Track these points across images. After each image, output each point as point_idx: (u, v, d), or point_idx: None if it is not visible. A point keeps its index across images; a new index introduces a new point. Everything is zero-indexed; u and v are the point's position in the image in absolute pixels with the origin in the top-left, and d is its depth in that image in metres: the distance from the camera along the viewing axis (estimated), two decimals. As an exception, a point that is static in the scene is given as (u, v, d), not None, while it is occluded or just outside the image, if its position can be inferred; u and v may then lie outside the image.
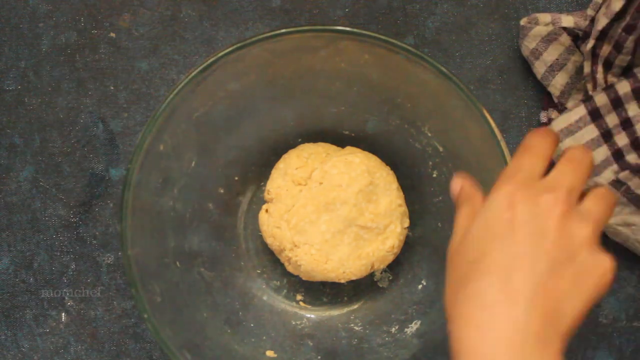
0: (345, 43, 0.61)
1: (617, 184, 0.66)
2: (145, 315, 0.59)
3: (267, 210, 0.70)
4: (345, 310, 0.72)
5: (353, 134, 0.71)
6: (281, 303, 0.72)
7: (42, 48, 0.73)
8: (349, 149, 0.71)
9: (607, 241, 0.71)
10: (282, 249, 0.69)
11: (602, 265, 0.48)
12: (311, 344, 0.70)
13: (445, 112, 0.64)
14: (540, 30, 0.69)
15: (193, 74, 0.60)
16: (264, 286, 0.72)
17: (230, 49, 0.60)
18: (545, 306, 0.46)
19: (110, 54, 0.73)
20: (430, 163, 0.69)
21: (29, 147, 0.73)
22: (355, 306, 0.72)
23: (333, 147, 0.71)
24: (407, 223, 0.70)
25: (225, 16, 0.73)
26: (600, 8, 0.67)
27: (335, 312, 0.72)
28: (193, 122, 0.64)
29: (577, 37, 0.69)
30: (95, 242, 0.73)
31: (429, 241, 0.71)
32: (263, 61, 0.63)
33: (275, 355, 0.68)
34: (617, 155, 0.67)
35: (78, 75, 0.73)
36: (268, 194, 0.70)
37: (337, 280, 0.69)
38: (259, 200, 0.73)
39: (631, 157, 0.66)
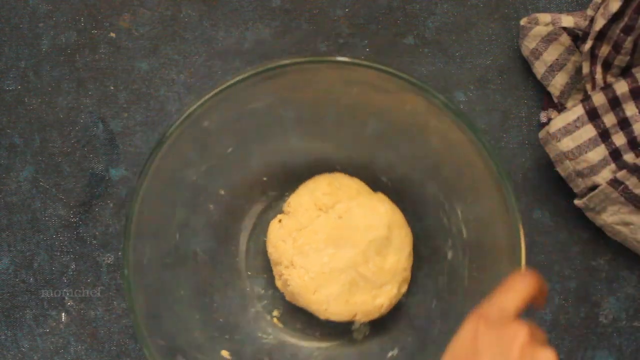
0: (409, 96, 0.60)
1: (615, 183, 0.66)
2: (126, 272, 0.59)
3: (280, 221, 0.69)
4: (313, 345, 0.72)
5: (389, 183, 0.71)
6: (257, 311, 0.72)
7: (42, 48, 0.73)
8: (380, 195, 0.70)
9: (607, 241, 0.71)
10: (279, 262, 0.69)
11: None
12: None
13: (483, 201, 0.63)
14: (540, 30, 0.69)
15: (269, 66, 0.59)
16: (247, 288, 0.72)
17: (307, 59, 0.59)
18: None
19: (110, 54, 0.73)
20: (450, 243, 0.68)
21: (29, 147, 0.73)
22: (323, 345, 0.72)
23: (366, 188, 0.70)
24: (404, 289, 0.70)
25: (225, 16, 0.73)
26: (599, 8, 0.67)
27: (302, 343, 0.71)
28: (246, 112, 0.64)
29: (577, 37, 0.69)
30: (95, 242, 0.72)
31: (418, 315, 0.70)
32: (330, 82, 0.63)
33: (229, 358, 0.68)
34: (615, 154, 0.67)
35: (78, 75, 0.73)
36: (288, 206, 0.70)
37: (316, 314, 0.69)
38: (277, 207, 0.72)
39: (629, 157, 0.66)
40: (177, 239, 0.66)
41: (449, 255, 0.68)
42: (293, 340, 0.71)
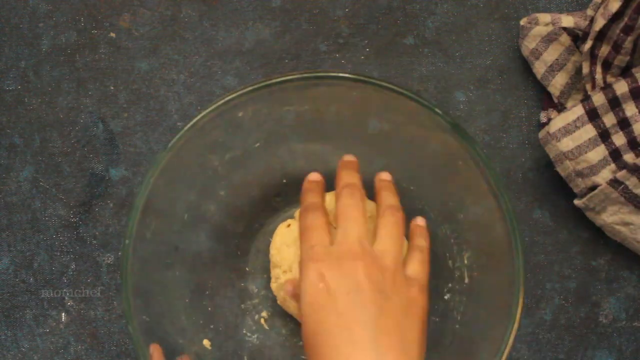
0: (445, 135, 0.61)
1: (614, 183, 0.66)
2: (127, 241, 0.59)
3: (289, 225, 0.69)
4: (293, 354, 0.71)
5: (405, 215, 0.71)
6: (246, 308, 0.71)
7: (42, 48, 0.73)
8: None
9: (607, 241, 0.71)
10: (278, 265, 0.68)
11: (413, 286, 0.56)
12: (246, 358, 0.70)
13: (491, 251, 0.63)
14: (540, 30, 0.69)
15: (294, 76, 0.60)
16: (242, 284, 0.72)
17: (362, 78, 0.60)
18: (390, 340, 0.52)
19: (110, 54, 0.73)
20: (450, 285, 0.68)
21: (29, 147, 0.73)
22: (304, 357, 0.71)
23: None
24: None
25: (225, 16, 0.73)
26: (599, 8, 0.67)
27: (284, 350, 0.71)
28: (281, 112, 0.64)
29: (577, 37, 0.69)
30: (95, 242, 0.72)
31: None
32: (373, 103, 0.63)
33: (210, 348, 0.67)
34: (615, 154, 0.67)
35: (78, 75, 0.73)
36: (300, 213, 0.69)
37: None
38: (290, 211, 0.72)
39: (628, 157, 0.66)
40: (185, 219, 0.66)
41: (447, 297, 0.68)
42: (275, 345, 0.71)
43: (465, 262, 0.66)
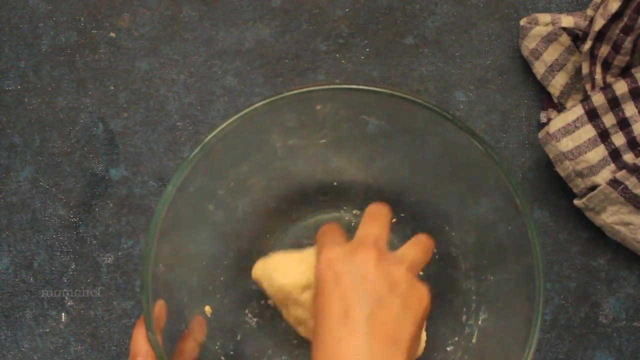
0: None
1: (614, 183, 0.66)
2: (170, 188, 0.59)
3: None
4: (281, 349, 0.71)
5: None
6: (256, 290, 0.70)
7: (42, 48, 0.73)
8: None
9: (607, 241, 0.71)
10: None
11: (419, 292, 0.57)
12: (239, 337, 0.69)
13: (507, 321, 0.63)
14: (540, 30, 0.69)
15: (307, 89, 0.60)
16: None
17: (363, 87, 0.60)
18: (382, 332, 0.54)
19: (110, 54, 0.73)
20: (456, 339, 0.67)
21: (29, 147, 0.73)
22: (296, 352, 0.71)
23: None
24: None
25: (225, 16, 0.73)
26: (599, 9, 0.67)
27: (274, 344, 0.71)
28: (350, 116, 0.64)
29: (577, 37, 0.69)
30: (95, 242, 0.72)
31: None
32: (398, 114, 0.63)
33: (209, 316, 0.67)
34: (614, 154, 0.67)
35: (78, 75, 0.73)
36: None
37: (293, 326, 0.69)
38: (332, 212, 0.72)
39: (628, 157, 0.66)
40: (230, 186, 0.66)
41: (449, 348, 0.68)
42: (270, 335, 0.71)
43: (480, 323, 0.66)
